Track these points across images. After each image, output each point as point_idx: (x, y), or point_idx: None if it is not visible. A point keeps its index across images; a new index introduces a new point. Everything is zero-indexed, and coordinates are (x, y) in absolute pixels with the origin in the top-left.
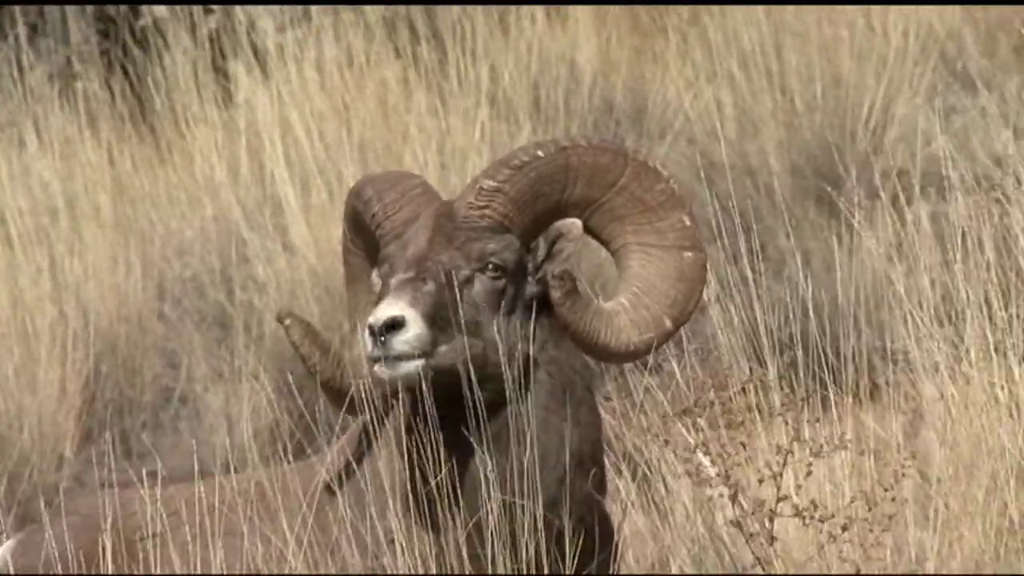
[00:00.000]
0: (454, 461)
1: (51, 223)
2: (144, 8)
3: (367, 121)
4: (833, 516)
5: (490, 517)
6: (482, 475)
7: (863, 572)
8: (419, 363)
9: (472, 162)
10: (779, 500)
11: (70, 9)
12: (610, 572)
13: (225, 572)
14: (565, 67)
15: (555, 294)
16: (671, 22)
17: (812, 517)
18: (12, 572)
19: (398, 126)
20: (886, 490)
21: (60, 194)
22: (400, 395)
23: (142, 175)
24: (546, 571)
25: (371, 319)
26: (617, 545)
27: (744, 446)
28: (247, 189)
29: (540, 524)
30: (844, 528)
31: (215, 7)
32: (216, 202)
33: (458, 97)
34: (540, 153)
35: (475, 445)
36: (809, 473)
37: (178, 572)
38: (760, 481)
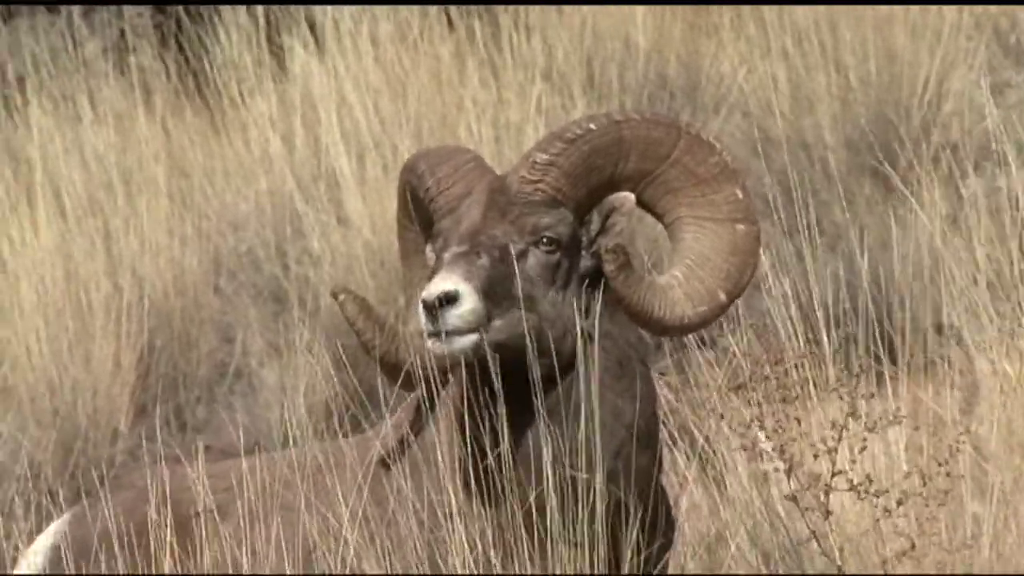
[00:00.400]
0: (511, 435)
1: (106, 197)
2: None
3: (422, 95)
4: (888, 491)
5: (550, 490)
6: (540, 449)
7: (918, 546)
8: (474, 338)
9: (527, 136)
10: (834, 475)
11: None
12: (671, 548)
13: (280, 547)
14: (619, 42)
15: (608, 267)
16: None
17: (867, 492)
18: (68, 545)
19: (452, 100)
20: (940, 465)
21: (115, 167)
22: (456, 370)
23: (197, 148)
24: (606, 546)
25: (425, 294)
26: (676, 522)
27: (799, 421)
28: (302, 163)
29: (599, 497)
30: (899, 503)
31: None
32: (271, 176)
33: (512, 71)
34: (593, 126)
35: (532, 419)
36: (864, 448)
37: (232, 548)
38: (815, 456)
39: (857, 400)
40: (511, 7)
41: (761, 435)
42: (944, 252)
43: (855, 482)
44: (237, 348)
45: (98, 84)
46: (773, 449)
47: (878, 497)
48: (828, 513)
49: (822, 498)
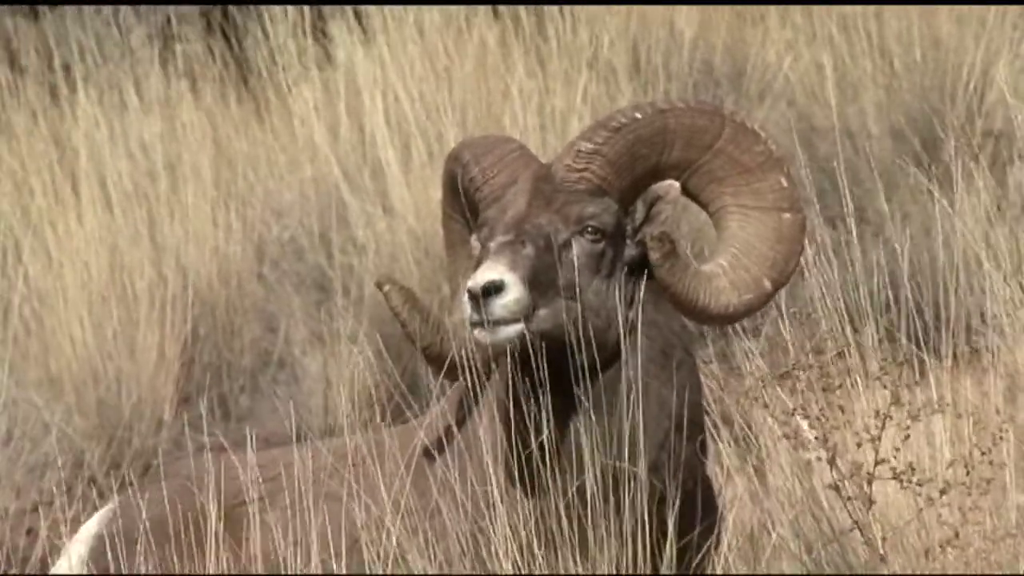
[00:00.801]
0: (555, 425)
1: (151, 185)
2: None
3: (467, 83)
4: (931, 480)
5: (593, 480)
6: (584, 439)
7: (961, 535)
8: (519, 327)
9: (572, 124)
10: (877, 463)
11: None
12: (714, 539)
13: (325, 536)
14: (665, 29)
15: (654, 256)
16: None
17: (910, 481)
18: (112, 535)
19: (498, 88)
20: (984, 453)
21: (160, 156)
22: (500, 359)
23: (242, 137)
24: (649, 536)
25: (470, 283)
26: (721, 512)
27: (843, 410)
28: (347, 151)
29: (643, 488)
30: (942, 492)
31: None
32: (316, 164)
33: (558, 59)
34: (638, 115)
35: (577, 409)
36: (907, 437)
37: (279, 537)
38: (859, 445)
39: (900, 389)
40: None
41: (804, 424)
42: (986, 240)
43: (898, 471)
44: (280, 337)
45: (144, 72)
46: (816, 438)
47: (921, 486)
48: (871, 502)
49: (865, 487)
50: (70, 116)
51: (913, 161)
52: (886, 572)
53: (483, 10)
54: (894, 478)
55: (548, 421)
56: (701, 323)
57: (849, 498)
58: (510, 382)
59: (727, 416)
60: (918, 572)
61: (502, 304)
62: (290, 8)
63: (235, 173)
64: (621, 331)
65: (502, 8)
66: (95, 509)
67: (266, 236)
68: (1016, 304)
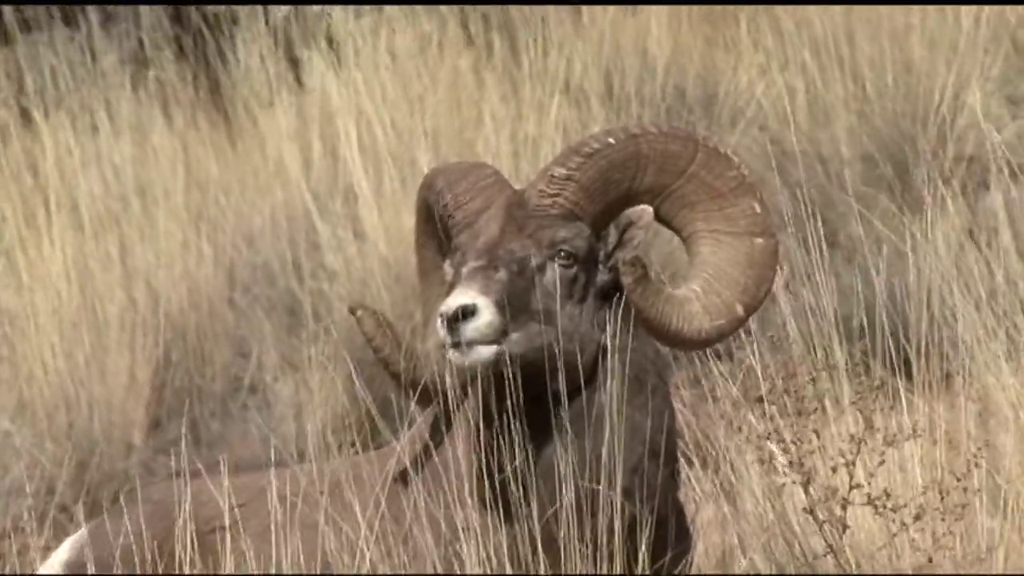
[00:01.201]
0: (528, 450)
1: (122, 209)
2: None
3: (440, 109)
4: (905, 506)
5: (567, 504)
6: (557, 463)
7: (935, 560)
8: (493, 349)
9: (545, 150)
10: (851, 488)
11: None
12: (684, 564)
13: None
14: (637, 55)
15: (626, 280)
16: (743, 10)
17: (884, 506)
18: (84, 561)
19: (471, 114)
20: (958, 480)
21: (132, 180)
22: (474, 384)
23: (214, 161)
24: (621, 561)
25: (443, 307)
26: (692, 535)
27: (817, 435)
28: (319, 176)
29: (616, 512)
30: (916, 517)
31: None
32: (287, 189)
33: (531, 85)
34: (611, 140)
35: (550, 433)
36: (882, 462)
37: (251, 563)
38: (833, 469)
39: (874, 414)
40: (530, 21)
41: (777, 449)
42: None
43: (872, 496)
44: (252, 362)
45: (116, 97)
46: (790, 463)
47: (895, 512)
48: (845, 527)
49: (839, 512)
50: (42, 140)
51: (885, 186)
52: None
53: (456, 36)
54: (868, 503)
55: (521, 446)
56: (674, 348)
57: (823, 522)
58: (483, 407)
59: (699, 441)
60: None
61: (473, 327)
62: (262, 32)
63: (207, 198)
64: (594, 356)
65: (475, 33)
66: (66, 535)
67: (237, 261)
68: (987, 331)
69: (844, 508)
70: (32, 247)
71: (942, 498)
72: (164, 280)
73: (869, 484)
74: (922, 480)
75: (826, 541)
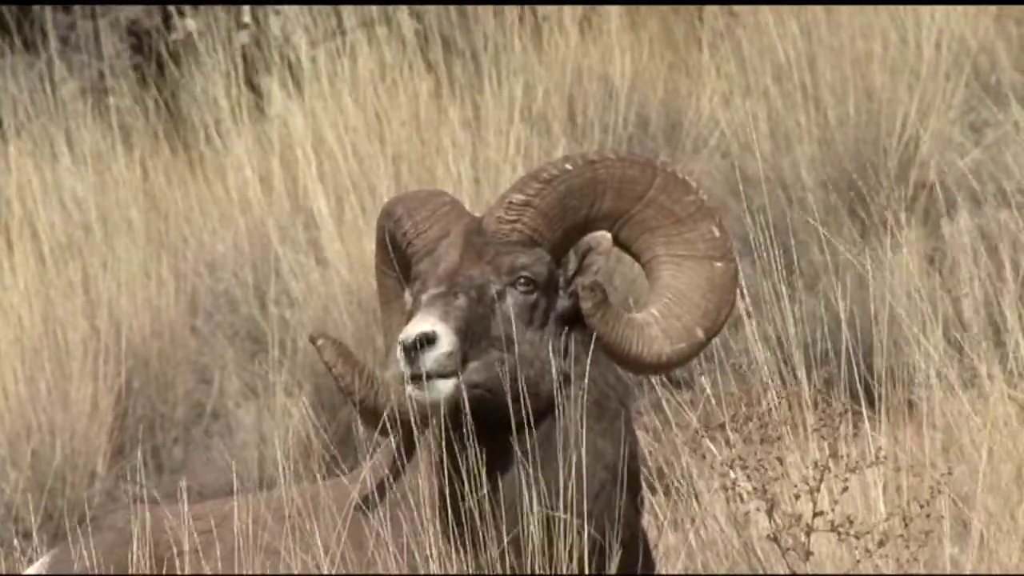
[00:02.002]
0: (491, 477)
1: (84, 237)
2: (177, 22)
3: (401, 135)
4: (869, 532)
5: (530, 531)
6: (518, 491)
7: None
8: (453, 382)
9: (506, 176)
10: (815, 515)
11: (102, 23)
12: None
13: None
14: (599, 81)
15: (585, 305)
16: (705, 36)
17: (848, 533)
18: None
19: (432, 140)
20: (922, 506)
21: (93, 208)
22: (435, 414)
23: (175, 189)
24: None
25: (402, 336)
26: (655, 563)
27: (780, 461)
28: (280, 203)
29: (579, 539)
30: (880, 544)
31: (248, 21)
32: (249, 216)
33: (492, 111)
34: (569, 167)
35: (512, 460)
36: (846, 489)
37: None
38: (796, 496)
39: (838, 441)
40: (489, 47)
41: (740, 476)
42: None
43: (836, 523)
44: (214, 389)
45: (76, 125)
46: (754, 489)
47: (859, 539)
48: (809, 554)
49: (803, 538)
50: (2, 169)
51: (847, 213)
52: None
53: (416, 63)
54: (832, 530)
55: (480, 473)
56: (635, 372)
57: (787, 549)
58: (443, 435)
59: (661, 468)
60: None
61: (433, 358)
62: (222, 61)
63: (168, 226)
64: (554, 383)
65: (436, 59)
66: (29, 562)
67: (199, 288)
68: (945, 358)
69: (808, 535)
70: None
71: (906, 525)
72: (126, 308)
73: (833, 511)
74: (885, 507)
75: (790, 568)
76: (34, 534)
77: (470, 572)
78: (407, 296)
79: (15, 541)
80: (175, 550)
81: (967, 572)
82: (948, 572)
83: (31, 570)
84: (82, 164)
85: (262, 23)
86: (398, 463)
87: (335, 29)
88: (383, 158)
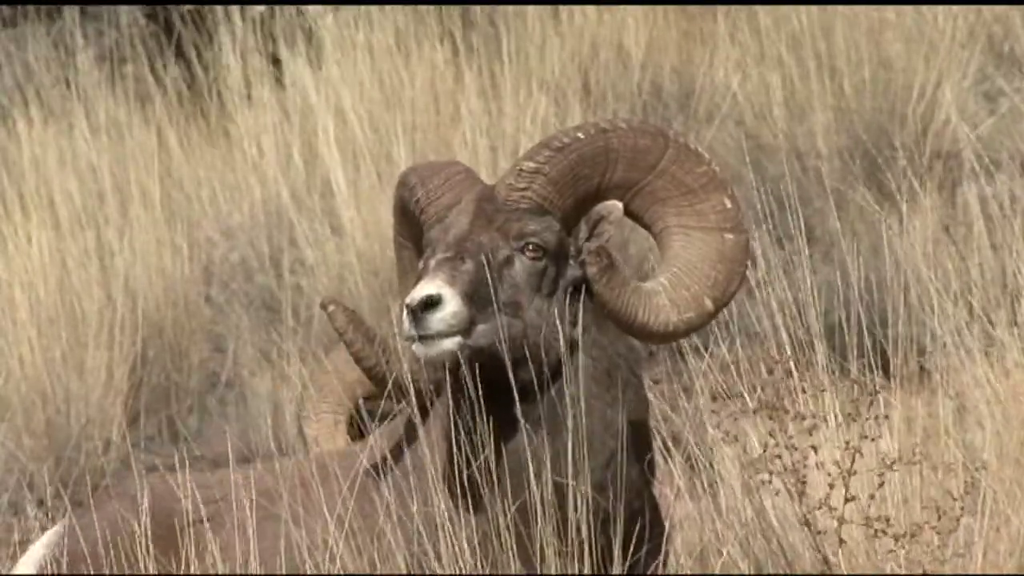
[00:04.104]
0: (499, 444)
1: (99, 206)
2: None
3: (417, 104)
4: (904, 534)
5: (537, 499)
6: (527, 458)
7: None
8: (457, 340)
9: (522, 145)
10: (847, 501)
11: None
12: (659, 560)
13: (270, 558)
14: (614, 51)
15: (591, 270)
16: (720, 6)
17: (883, 531)
18: (61, 555)
19: (448, 109)
20: (955, 499)
21: (108, 177)
22: (444, 377)
23: (191, 158)
24: (594, 556)
25: (408, 298)
26: (668, 533)
27: (815, 449)
28: (296, 172)
29: (588, 507)
30: (912, 535)
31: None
32: (265, 185)
33: (509, 81)
34: (580, 135)
35: (519, 427)
36: (881, 484)
37: (219, 559)
38: (831, 486)
39: (870, 423)
40: (508, 17)
41: (769, 460)
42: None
43: (870, 517)
44: (229, 358)
45: (92, 94)
46: (784, 469)
47: (895, 539)
48: (841, 542)
49: (835, 525)
50: (18, 138)
51: (862, 181)
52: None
53: (434, 31)
54: (865, 524)
55: (491, 440)
56: (642, 340)
57: (818, 532)
58: (451, 401)
59: (677, 436)
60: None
61: (438, 318)
62: (239, 29)
63: (184, 194)
64: (563, 351)
65: (453, 30)
66: (43, 530)
67: (215, 257)
68: (962, 325)
69: (840, 523)
70: (9, 245)
71: (939, 518)
72: (141, 277)
73: (869, 506)
74: (920, 500)
75: (819, 552)
76: (49, 502)
77: (477, 540)
78: (421, 265)
79: (29, 509)
80: (187, 519)
81: (978, 542)
82: (961, 539)
83: (43, 538)
84: (98, 133)
85: None
86: (409, 430)
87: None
88: (399, 127)
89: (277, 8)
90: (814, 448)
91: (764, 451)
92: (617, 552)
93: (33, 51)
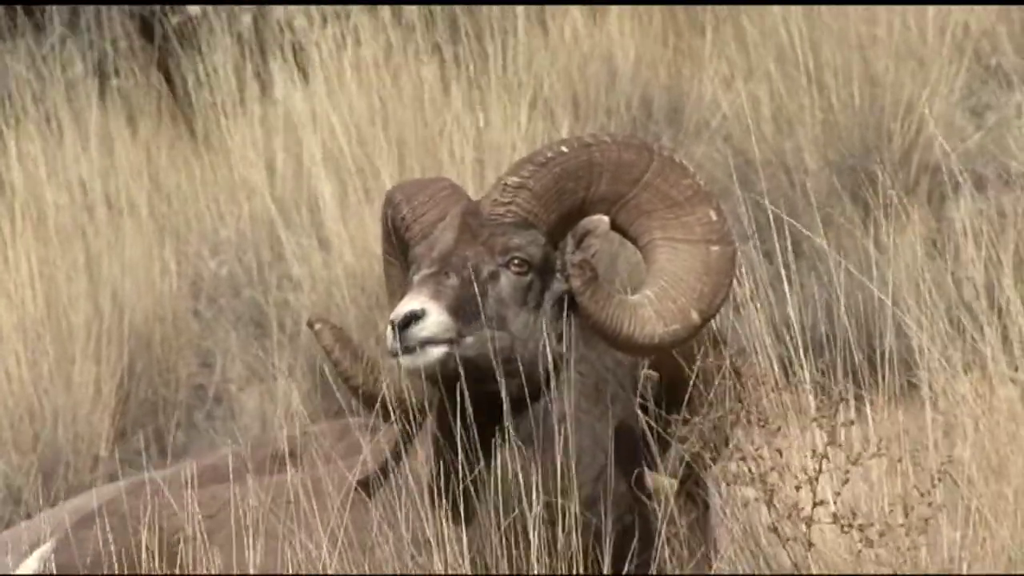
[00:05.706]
0: (487, 459)
1: (88, 220)
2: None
3: (404, 118)
4: (872, 524)
5: (528, 515)
6: (514, 472)
7: (898, 572)
8: (444, 349)
9: (510, 160)
10: (816, 505)
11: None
12: (649, 573)
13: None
14: (603, 65)
15: (575, 282)
16: (708, 20)
17: (850, 525)
18: (53, 571)
19: (436, 123)
20: (922, 495)
21: (97, 190)
22: (433, 395)
23: (179, 172)
24: (584, 571)
25: (392, 314)
26: (657, 547)
27: (780, 453)
28: (284, 187)
29: (578, 523)
30: (881, 534)
31: (251, 5)
32: (252, 200)
33: (496, 95)
34: (564, 149)
35: (507, 443)
36: (846, 481)
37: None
38: (797, 488)
39: (837, 428)
40: (496, 31)
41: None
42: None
43: (838, 514)
44: (217, 373)
45: (82, 107)
46: (752, 479)
47: (861, 531)
48: (810, 544)
49: (804, 528)
50: (8, 150)
51: (849, 196)
52: None
53: (421, 45)
54: (834, 522)
55: (475, 454)
56: (627, 353)
57: (788, 539)
58: (439, 416)
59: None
60: None
61: (421, 327)
62: (228, 43)
63: (172, 208)
64: (550, 365)
65: (441, 43)
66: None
67: (202, 271)
68: (946, 341)
69: (808, 526)
70: None
71: (906, 514)
72: (129, 290)
73: (835, 503)
74: (887, 496)
75: (791, 558)
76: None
77: (466, 554)
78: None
79: (16, 524)
80: (182, 535)
81: (965, 556)
82: (946, 554)
83: (36, 553)
84: (87, 146)
85: (266, 6)
86: (398, 446)
87: (340, 11)
88: (387, 142)
89: (265, 20)
90: (779, 452)
91: (736, 462)
92: (607, 567)
93: (23, 65)
